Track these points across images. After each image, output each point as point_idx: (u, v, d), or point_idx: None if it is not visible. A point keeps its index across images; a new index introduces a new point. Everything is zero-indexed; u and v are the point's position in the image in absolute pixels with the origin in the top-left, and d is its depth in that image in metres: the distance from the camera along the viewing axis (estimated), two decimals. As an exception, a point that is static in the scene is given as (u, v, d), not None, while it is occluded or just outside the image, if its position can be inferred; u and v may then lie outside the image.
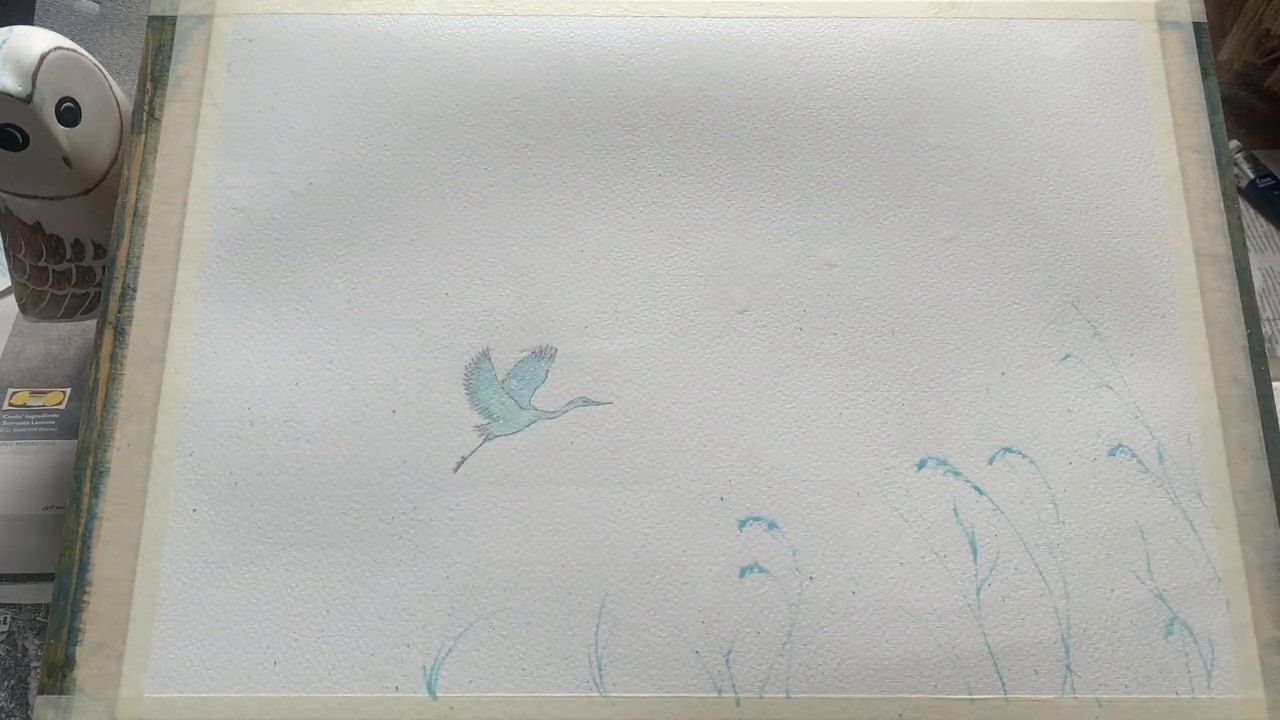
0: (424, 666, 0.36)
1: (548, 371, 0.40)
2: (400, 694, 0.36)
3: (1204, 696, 0.36)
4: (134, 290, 0.40)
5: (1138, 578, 0.38)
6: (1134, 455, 0.39)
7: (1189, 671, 0.37)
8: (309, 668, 0.36)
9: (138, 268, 0.41)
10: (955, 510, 0.38)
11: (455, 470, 0.38)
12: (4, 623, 0.47)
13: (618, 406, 0.39)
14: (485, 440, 0.39)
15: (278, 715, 0.36)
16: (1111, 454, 0.39)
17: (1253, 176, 0.62)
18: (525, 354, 0.40)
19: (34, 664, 0.46)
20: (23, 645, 0.46)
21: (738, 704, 0.36)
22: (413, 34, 0.44)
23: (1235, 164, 0.63)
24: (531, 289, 0.41)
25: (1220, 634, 0.37)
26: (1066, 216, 0.42)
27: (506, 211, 0.42)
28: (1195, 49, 0.44)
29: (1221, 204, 0.42)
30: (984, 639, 0.37)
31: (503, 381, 0.39)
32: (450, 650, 0.36)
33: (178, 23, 0.44)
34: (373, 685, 0.36)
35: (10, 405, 0.53)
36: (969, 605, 0.37)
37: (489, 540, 0.38)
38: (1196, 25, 0.45)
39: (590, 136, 0.43)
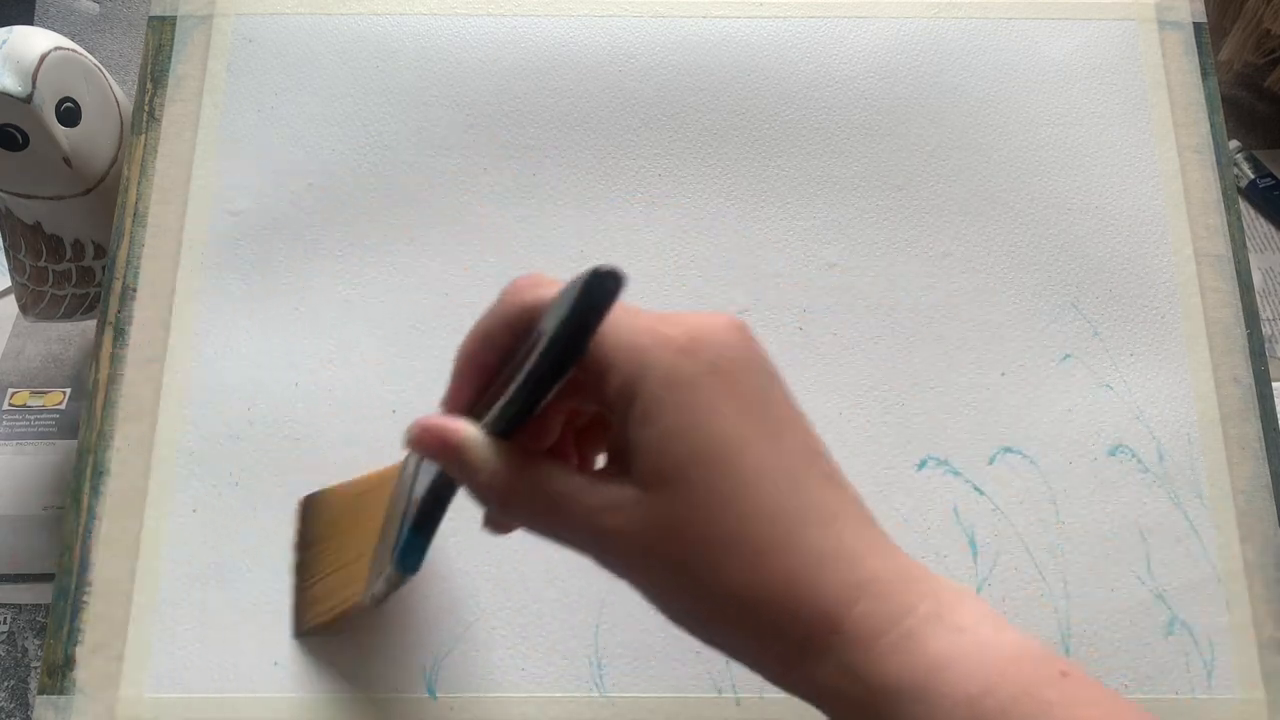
0: (424, 667, 0.36)
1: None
2: (400, 694, 0.36)
3: (1204, 696, 0.36)
4: (134, 290, 0.40)
5: (1138, 578, 0.38)
6: (1134, 455, 0.39)
7: (1189, 671, 0.37)
8: (309, 668, 0.36)
9: (138, 268, 0.41)
10: (955, 510, 0.38)
11: (455, 470, 0.38)
12: (4, 623, 0.47)
13: (618, 406, 0.39)
14: (485, 440, 0.39)
15: (277, 715, 0.35)
16: (1111, 454, 0.39)
17: (1253, 176, 0.62)
18: (525, 354, 0.40)
19: (34, 664, 0.46)
20: (23, 645, 0.46)
21: (738, 703, 0.36)
22: (413, 34, 0.44)
23: (1235, 164, 0.63)
24: (531, 289, 0.41)
25: (1220, 634, 0.37)
26: (1066, 216, 0.42)
27: (506, 211, 0.42)
28: (1195, 49, 0.44)
29: (1221, 204, 0.42)
30: (984, 639, 0.37)
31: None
32: (450, 650, 0.36)
33: (178, 23, 0.44)
34: (373, 685, 0.36)
35: (10, 405, 0.53)
36: (969, 605, 0.37)
37: (489, 540, 0.38)
38: (1196, 25, 0.45)
39: (590, 136, 0.43)
